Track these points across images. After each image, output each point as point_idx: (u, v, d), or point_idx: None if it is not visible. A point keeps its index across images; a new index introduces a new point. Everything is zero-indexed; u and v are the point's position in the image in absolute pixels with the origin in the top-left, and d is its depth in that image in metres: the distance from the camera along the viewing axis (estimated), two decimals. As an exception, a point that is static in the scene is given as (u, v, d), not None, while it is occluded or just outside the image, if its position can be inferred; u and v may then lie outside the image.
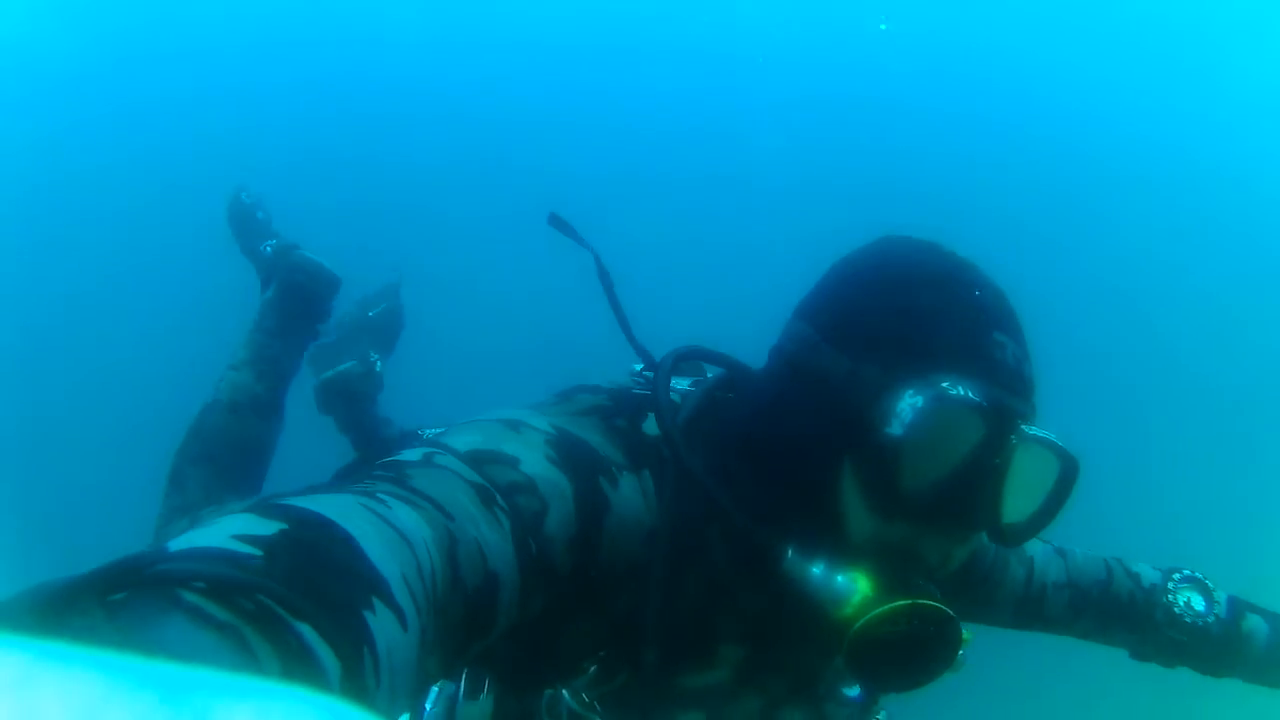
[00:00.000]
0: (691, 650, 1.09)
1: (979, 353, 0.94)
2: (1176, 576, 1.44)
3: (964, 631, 0.97)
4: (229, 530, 0.55)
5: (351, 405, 2.48)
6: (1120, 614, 1.44)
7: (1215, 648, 1.42)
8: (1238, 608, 1.43)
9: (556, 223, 1.44)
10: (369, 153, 8.18)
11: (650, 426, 1.08)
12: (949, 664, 0.98)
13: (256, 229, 2.51)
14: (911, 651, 0.95)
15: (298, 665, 0.46)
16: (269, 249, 2.39)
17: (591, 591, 0.98)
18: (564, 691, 1.05)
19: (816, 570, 0.96)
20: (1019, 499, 0.97)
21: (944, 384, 0.91)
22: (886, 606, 0.92)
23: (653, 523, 1.01)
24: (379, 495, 0.73)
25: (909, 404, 0.90)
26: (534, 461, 0.93)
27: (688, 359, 1.21)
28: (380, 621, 0.57)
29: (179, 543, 0.53)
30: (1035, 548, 1.43)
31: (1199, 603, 1.42)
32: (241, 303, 2.40)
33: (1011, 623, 1.44)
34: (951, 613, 0.95)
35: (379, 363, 2.56)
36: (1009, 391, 0.94)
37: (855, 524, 0.96)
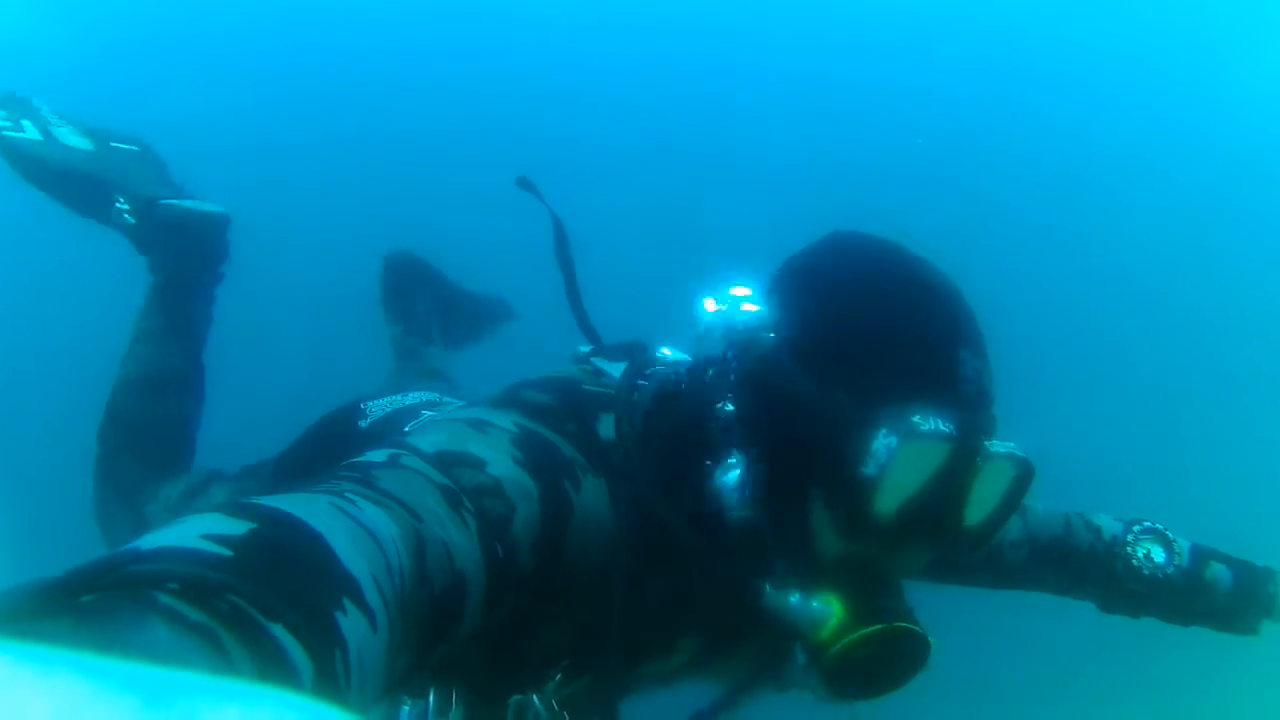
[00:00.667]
0: (653, 644, 1.12)
1: (945, 375, 0.96)
2: (1136, 528, 1.44)
3: (930, 640, 1.01)
4: (198, 529, 0.55)
5: (411, 290, 2.41)
6: (1081, 567, 1.46)
7: (1178, 597, 1.43)
8: (1201, 555, 1.44)
9: (525, 184, 1.43)
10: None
11: (604, 429, 1.08)
12: (918, 671, 1.02)
13: (79, 183, 2.07)
14: (884, 665, 0.99)
15: (271, 666, 0.46)
16: (126, 215, 2.01)
17: (557, 594, 0.99)
18: (533, 696, 1.06)
19: (794, 599, 0.98)
20: (975, 503, 0.99)
21: (915, 418, 0.92)
22: (862, 632, 0.96)
23: (612, 527, 1.02)
24: (347, 495, 0.74)
25: (884, 444, 0.92)
26: (500, 463, 0.93)
27: (636, 353, 1.22)
28: (351, 622, 0.58)
29: (149, 541, 0.53)
30: None
31: (1159, 554, 1.42)
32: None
33: (977, 580, 1.46)
34: (921, 630, 0.99)
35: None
36: (973, 410, 0.97)
37: (825, 546, 0.98)
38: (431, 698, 1.11)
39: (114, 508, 1.88)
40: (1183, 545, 1.44)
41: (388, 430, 1.43)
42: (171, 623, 0.43)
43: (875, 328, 0.97)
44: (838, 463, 0.94)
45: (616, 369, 1.21)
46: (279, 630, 0.49)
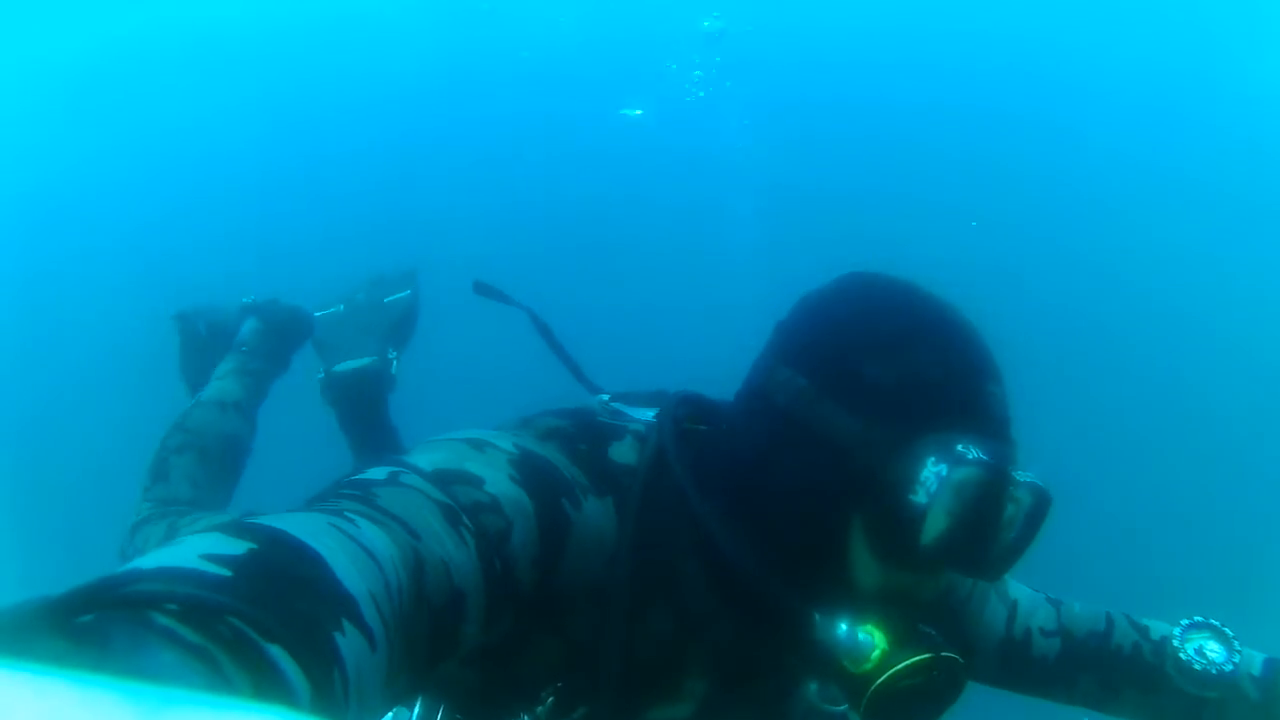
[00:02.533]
0: (655, 682, 1.09)
1: (980, 409, 0.98)
2: (1184, 623, 1.29)
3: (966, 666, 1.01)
4: (197, 550, 0.56)
5: (359, 404, 2.41)
6: (1125, 670, 1.29)
7: (1247, 709, 1.23)
8: (1276, 666, 1.25)
9: (482, 289, 1.48)
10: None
11: (616, 454, 1.09)
12: (954, 701, 1.02)
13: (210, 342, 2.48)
14: (926, 695, 0.99)
15: (269, 687, 0.46)
16: (247, 300, 2.45)
17: (553, 614, 0.99)
18: (525, 719, 1.05)
19: (842, 630, 0.98)
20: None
21: (959, 447, 0.94)
22: (909, 661, 0.96)
23: (615, 548, 1.02)
24: (346, 514, 0.74)
25: (933, 472, 0.93)
26: (498, 481, 0.94)
27: (640, 398, 1.24)
28: (349, 642, 0.58)
29: (148, 561, 0.53)
30: (1021, 592, 1.37)
31: (1216, 651, 1.25)
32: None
33: (1002, 675, 1.35)
34: (962, 660, 0.99)
35: (395, 361, 2.47)
36: (1005, 442, 0.99)
37: (863, 576, 0.99)
38: (418, 709, 1.12)
39: (152, 528, 1.99)
40: (1250, 653, 1.26)
41: None
42: (169, 644, 0.43)
43: (917, 364, 0.98)
44: (886, 492, 0.95)
45: (639, 413, 1.21)
46: (276, 651, 0.49)
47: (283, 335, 2.43)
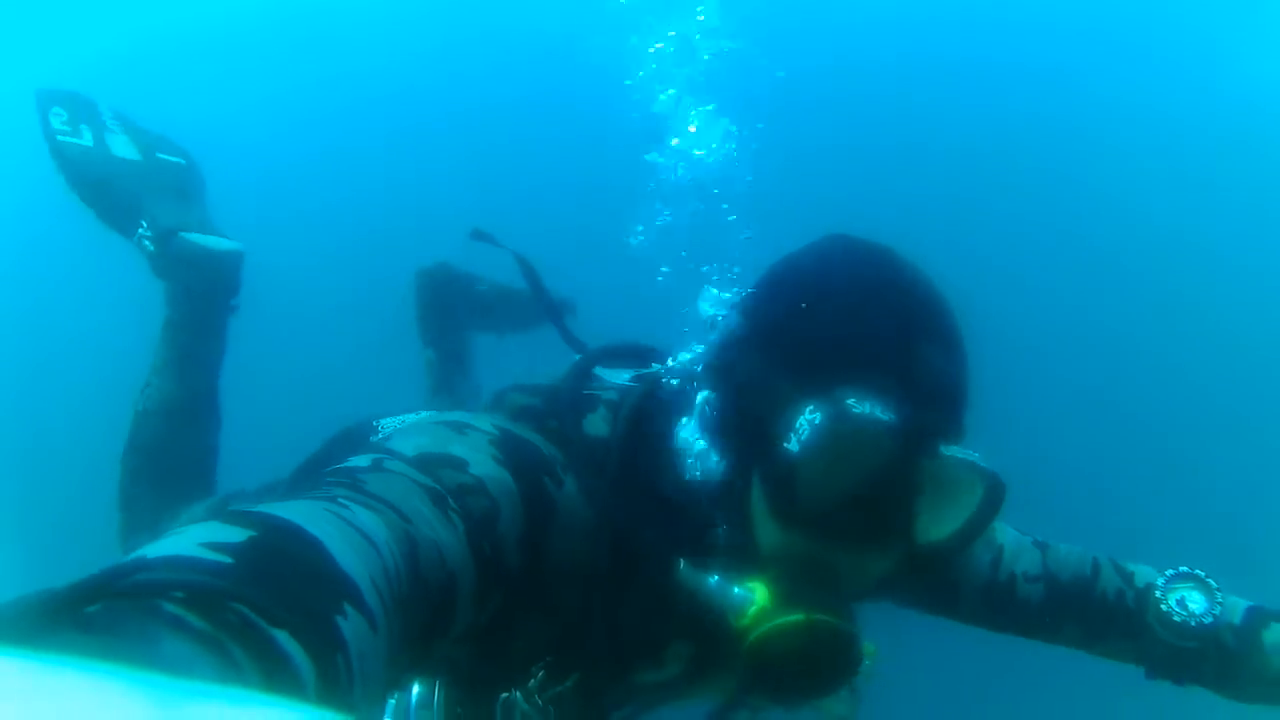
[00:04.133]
0: (642, 648, 1.10)
1: (895, 365, 0.90)
2: (1169, 572, 1.27)
3: (867, 645, 0.97)
4: (197, 538, 0.57)
5: (444, 303, 2.31)
6: (1108, 616, 1.28)
7: (1230, 661, 1.22)
8: (1259, 615, 1.23)
9: (478, 235, 1.48)
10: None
11: (590, 427, 1.08)
12: (848, 678, 0.97)
13: (112, 197, 2.09)
14: (811, 665, 0.94)
15: (276, 672, 0.48)
16: (147, 241, 2.04)
17: (541, 591, 0.99)
18: (517, 694, 1.06)
19: (712, 580, 0.95)
20: (942, 516, 0.94)
21: (849, 400, 0.87)
22: (779, 620, 0.92)
23: (593, 523, 1.02)
24: (339, 500, 0.75)
25: (806, 420, 0.88)
26: (482, 462, 0.94)
27: (618, 355, 1.23)
28: (352, 625, 0.59)
29: (150, 551, 0.54)
30: (1007, 535, 1.34)
31: (1197, 601, 1.23)
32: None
33: (986, 618, 1.34)
34: (850, 629, 0.94)
35: (487, 284, 2.34)
36: (925, 407, 0.90)
37: (763, 534, 0.95)
38: (415, 691, 1.12)
39: (139, 537, 1.89)
40: (1234, 601, 1.24)
41: None
42: (178, 632, 0.44)
43: (829, 311, 0.94)
44: (767, 440, 0.91)
45: (618, 375, 1.20)
46: (282, 636, 0.50)
47: (203, 290, 2.06)
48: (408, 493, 0.84)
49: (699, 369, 1.06)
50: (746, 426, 0.95)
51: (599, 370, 1.22)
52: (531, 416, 1.07)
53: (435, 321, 2.32)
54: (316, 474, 0.87)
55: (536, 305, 1.45)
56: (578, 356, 1.26)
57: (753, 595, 0.93)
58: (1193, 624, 1.21)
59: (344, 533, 0.68)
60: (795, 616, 0.92)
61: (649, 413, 1.09)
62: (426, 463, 0.90)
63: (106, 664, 0.26)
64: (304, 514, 0.67)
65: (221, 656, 0.44)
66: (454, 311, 2.35)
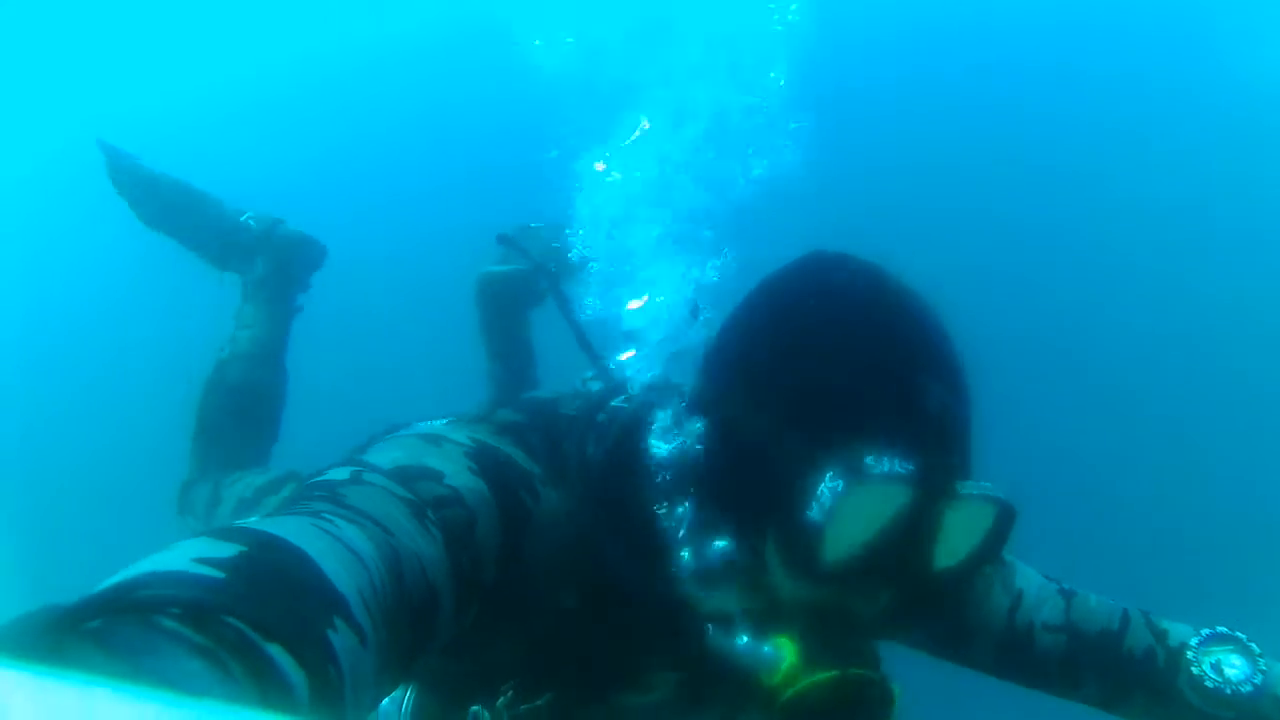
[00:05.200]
0: (617, 674, 1.09)
1: (905, 407, 0.88)
2: (1205, 632, 1.14)
3: (895, 687, 0.96)
4: (189, 554, 0.58)
5: (503, 309, 2.34)
6: (1135, 676, 1.16)
7: None
8: None
9: (505, 240, 1.51)
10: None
11: (570, 447, 1.07)
12: None
13: (203, 207, 2.43)
14: (844, 715, 0.94)
15: (271, 686, 0.48)
16: (252, 222, 2.38)
17: (514, 605, 0.99)
18: (485, 714, 1.06)
19: (741, 641, 0.95)
20: (953, 543, 0.92)
21: (868, 459, 0.85)
22: (813, 679, 0.91)
23: (572, 541, 1.01)
24: (324, 516, 0.75)
25: (829, 488, 0.85)
26: (457, 473, 0.94)
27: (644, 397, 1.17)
28: (342, 639, 0.60)
29: (144, 567, 0.55)
30: (1029, 581, 1.25)
31: (1236, 667, 1.10)
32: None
33: (1001, 668, 1.25)
34: (881, 679, 0.94)
35: (550, 281, 2.33)
36: (940, 449, 0.89)
37: (781, 588, 0.94)
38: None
39: (199, 489, 2.10)
40: (1275, 666, 1.11)
41: None
42: (178, 645, 0.45)
43: (828, 354, 0.90)
44: (787, 506, 0.87)
45: (609, 396, 1.19)
46: (275, 650, 0.51)
47: (293, 274, 2.41)
48: (387, 505, 0.84)
49: (684, 403, 1.01)
50: (761, 488, 0.91)
51: (593, 387, 1.23)
52: (514, 432, 1.07)
53: (500, 331, 2.36)
54: (301, 486, 0.87)
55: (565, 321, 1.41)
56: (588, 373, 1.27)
57: (782, 653, 0.93)
58: (1228, 691, 1.08)
59: (333, 548, 0.69)
60: (829, 674, 0.92)
61: (636, 441, 1.05)
62: (404, 475, 0.90)
63: (111, 679, 0.27)
64: (292, 529, 0.68)
65: (220, 671, 0.45)
66: (516, 328, 2.39)
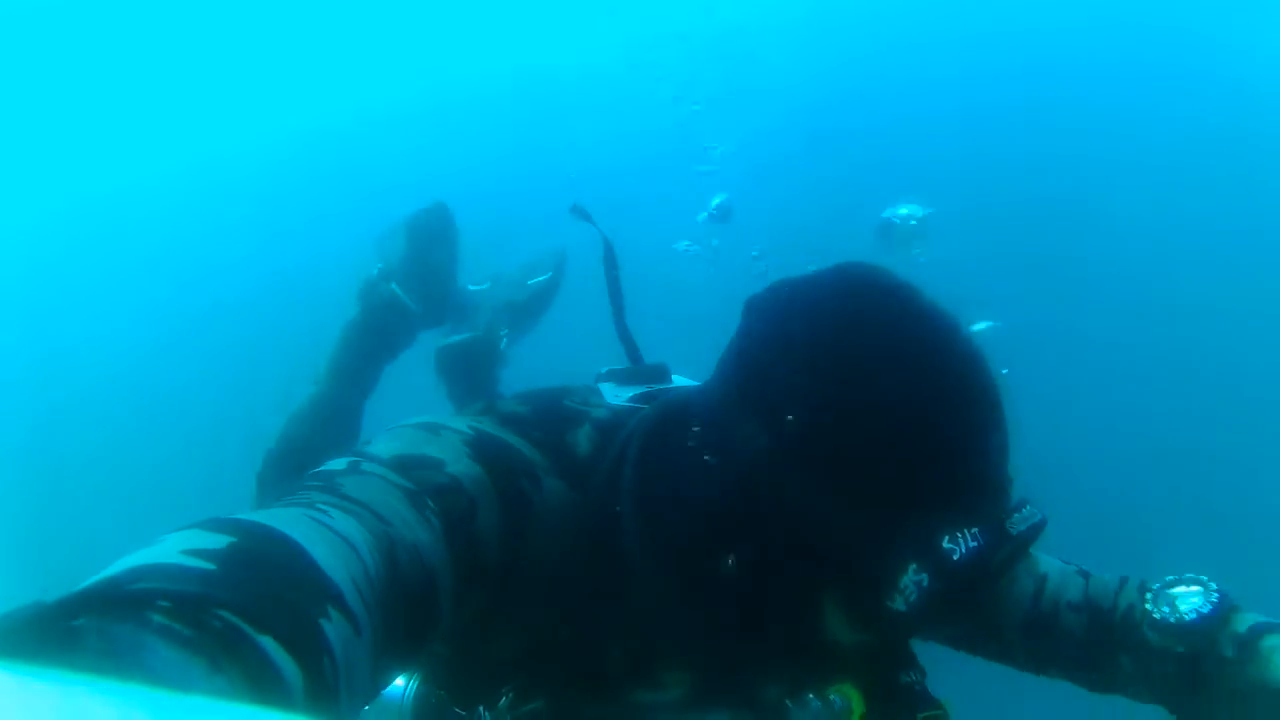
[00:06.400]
0: (628, 672, 1.08)
1: (974, 481, 0.84)
2: (1169, 577, 1.15)
3: (946, 703, 0.99)
4: (178, 546, 0.57)
5: (466, 376, 2.38)
6: (1123, 634, 1.17)
7: (1217, 665, 1.06)
8: (1264, 626, 1.06)
9: (578, 212, 1.50)
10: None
11: (572, 441, 1.06)
12: None
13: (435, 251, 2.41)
14: None
15: (264, 679, 0.48)
16: (376, 270, 2.37)
17: (514, 598, 0.98)
18: (487, 715, 1.06)
19: (814, 705, 0.94)
20: None
21: (945, 544, 0.79)
22: None
23: (573, 534, 1.01)
24: (318, 505, 0.75)
25: (913, 581, 0.79)
26: (457, 461, 0.94)
27: (635, 375, 1.22)
28: (336, 629, 0.59)
29: (131, 561, 0.54)
30: (1051, 565, 1.26)
31: (1187, 599, 1.10)
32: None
33: (1030, 652, 1.24)
34: (944, 711, 0.97)
35: (505, 339, 2.43)
36: (1005, 509, 0.85)
37: (836, 634, 0.90)
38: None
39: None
40: (1247, 615, 1.08)
41: None
42: (167, 640, 0.44)
43: (888, 432, 0.82)
44: (861, 585, 0.82)
45: (621, 394, 1.19)
46: (268, 642, 0.50)
47: (381, 334, 2.35)
48: (385, 494, 0.84)
49: (696, 427, 0.94)
50: (819, 557, 0.85)
51: (602, 386, 1.22)
52: (517, 423, 1.07)
53: (471, 398, 2.35)
54: (298, 478, 0.87)
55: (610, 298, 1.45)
56: (603, 369, 1.27)
57: (850, 704, 0.93)
58: (1173, 620, 1.09)
59: (325, 537, 0.68)
60: None
61: (663, 442, 1.02)
62: (402, 464, 0.90)
63: (97, 677, 0.27)
64: (283, 519, 0.67)
65: (210, 665, 0.44)
66: (485, 377, 2.42)
